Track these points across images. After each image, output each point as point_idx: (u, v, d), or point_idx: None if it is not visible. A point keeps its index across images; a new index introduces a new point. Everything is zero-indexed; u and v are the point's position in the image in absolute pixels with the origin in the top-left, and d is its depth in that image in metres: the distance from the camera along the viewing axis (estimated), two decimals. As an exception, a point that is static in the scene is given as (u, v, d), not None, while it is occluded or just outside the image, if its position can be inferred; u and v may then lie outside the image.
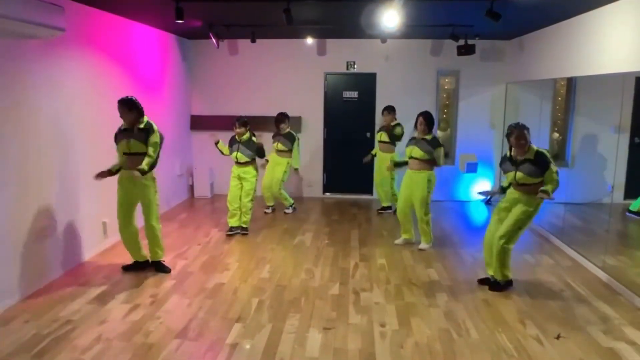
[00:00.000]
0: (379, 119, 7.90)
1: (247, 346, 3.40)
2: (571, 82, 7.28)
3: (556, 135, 7.64)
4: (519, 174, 4.22)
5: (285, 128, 6.91)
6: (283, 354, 3.33)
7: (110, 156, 5.53)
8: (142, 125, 4.50)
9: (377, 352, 3.37)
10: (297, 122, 8.02)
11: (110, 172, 4.62)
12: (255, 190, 5.96)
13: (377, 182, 7.24)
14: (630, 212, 6.78)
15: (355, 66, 7.92)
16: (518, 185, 4.28)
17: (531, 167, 4.16)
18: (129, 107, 4.44)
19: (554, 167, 4.13)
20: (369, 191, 8.05)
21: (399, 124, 6.83)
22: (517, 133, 4.17)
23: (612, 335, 3.61)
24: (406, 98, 7.71)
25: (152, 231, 4.70)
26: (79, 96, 4.90)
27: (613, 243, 5.93)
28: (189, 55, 7.95)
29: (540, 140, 7.25)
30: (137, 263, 4.80)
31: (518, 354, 3.35)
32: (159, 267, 4.78)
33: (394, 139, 6.82)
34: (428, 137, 5.36)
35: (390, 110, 6.90)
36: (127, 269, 4.78)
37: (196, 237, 5.90)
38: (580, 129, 7.35)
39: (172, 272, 4.78)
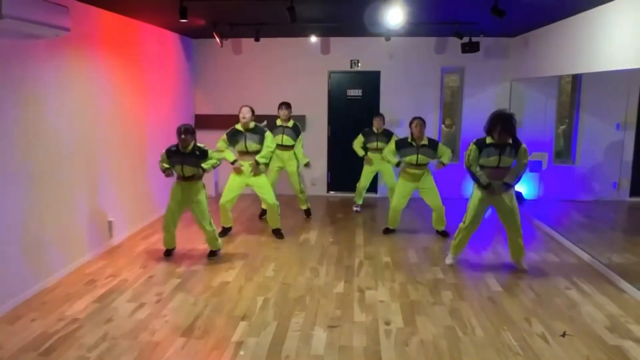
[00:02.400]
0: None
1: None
2: (576, 79, 7.25)
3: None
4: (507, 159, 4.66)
5: None
6: (288, 352, 3.34)
7: (113, 155, 5.56)
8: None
9: (382, 350, 3.37)
10: (301, 120, 8.02)
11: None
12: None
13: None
14: None
15: (359, 64, 7.91)
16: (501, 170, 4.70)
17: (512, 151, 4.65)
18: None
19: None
20: (374, 189, 8.04)
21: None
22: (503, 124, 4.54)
23: (618, 333, 3.59)
24: (410, 96, 7.70)
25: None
26: (83, 95, 4.92)
27: (619, 240, 5.91)
28: (192, 55, 7.97)
29: (546, 137, 7.24)
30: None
31: (523, 351, 3.34)
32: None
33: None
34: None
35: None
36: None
37: (200, 235, 5.89)
38: (586, 126, 7.33)
39: (177, 270, 4.81)
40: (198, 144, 4.96)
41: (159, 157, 5.02)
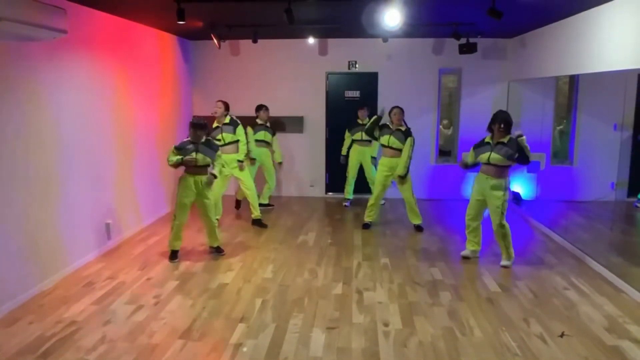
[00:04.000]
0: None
1: (245, 349, 3.37)
2: (574, 80, 7.27)
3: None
4: (494, 155, 4.80)
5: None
6: (287, 354, 3.33)
7: (111, 157, 5.56)
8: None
9: (380, 351, 3.37)
10: (299, 122, 8.03)
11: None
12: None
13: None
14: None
15: (357, 66, 7.92)
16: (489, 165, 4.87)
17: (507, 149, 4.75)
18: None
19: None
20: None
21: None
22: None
23: (616, 334, 3.60)
24: (408, 97, 7.70)
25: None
26: (81, 97, 4.91)
27: (617, 240, 5.92)
28: (190, 56, 7.97)
29: (543, 138, 7.25)
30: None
31: (522, 352, 3.35)
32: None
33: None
34: (402, 127, 6.04)
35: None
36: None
37: (199, 237, 5.89)
38: (583, 127, 7.35)
39: (175, 272, 4.80)
40: (209, 138, 5.17)
41: (158, 159, 5.01)
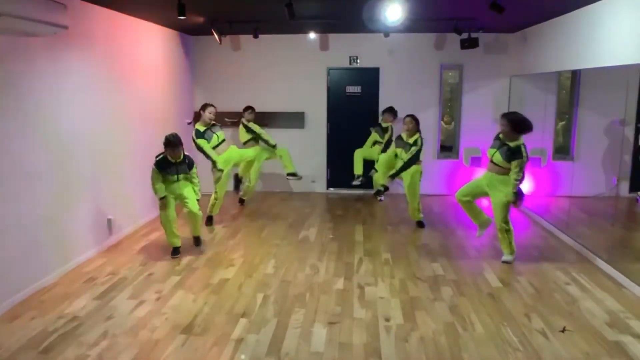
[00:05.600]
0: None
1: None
2: (575, 75, 7.24)
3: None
4: (497, 156, 4.72)
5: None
6: (288, 349, 3.34)
7: (112, 152, 5.56)
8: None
9: (382, 346, 3.37)
10: (300, 117, 8.02)
11: None
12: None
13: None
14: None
15: (358, 61, 7.90)
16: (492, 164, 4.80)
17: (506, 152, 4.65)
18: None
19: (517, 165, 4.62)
20: (373, 186, 8.03)
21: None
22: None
23: (617, 329, 3.60)
24: (409, 92, 7.70)
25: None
26: (81, 93, 4.91)
27: (618, 236, 5.91)
28: (191, 52, 7.95)
29: (545, 133, 7.24)
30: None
31: (523, 347, 3.35)
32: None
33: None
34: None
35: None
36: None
37: (200, 232, 5.90)
38: (585, 122, 7.32)
39: (176, 268, 4.81)
40: (186, 153, 5.09)
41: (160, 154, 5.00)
